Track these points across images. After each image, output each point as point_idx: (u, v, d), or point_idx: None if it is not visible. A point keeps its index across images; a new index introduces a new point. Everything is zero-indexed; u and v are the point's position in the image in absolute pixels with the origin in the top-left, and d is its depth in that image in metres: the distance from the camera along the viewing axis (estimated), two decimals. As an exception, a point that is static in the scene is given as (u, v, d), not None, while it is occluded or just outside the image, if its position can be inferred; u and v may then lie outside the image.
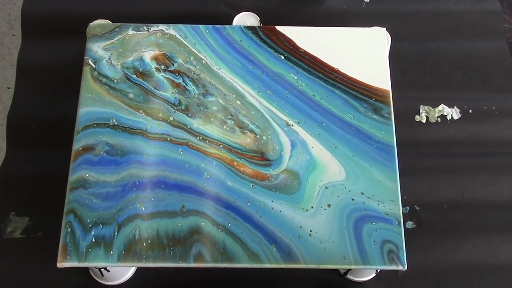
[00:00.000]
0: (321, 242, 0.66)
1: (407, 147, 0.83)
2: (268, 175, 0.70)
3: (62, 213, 0.67)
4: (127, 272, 0.77)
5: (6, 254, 0.78)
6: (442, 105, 0.89)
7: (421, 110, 0.89)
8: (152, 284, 0.76)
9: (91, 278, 0.77)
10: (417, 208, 0.82)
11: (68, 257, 0.65)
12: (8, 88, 1.31)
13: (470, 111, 0.89)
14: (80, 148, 0.71)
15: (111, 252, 0.66)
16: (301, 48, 0.78)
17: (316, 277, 0.77)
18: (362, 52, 0.77)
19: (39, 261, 0.77)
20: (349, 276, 0.78)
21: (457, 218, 0.82)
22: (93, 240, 0.66)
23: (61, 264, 0.65)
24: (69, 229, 0.67)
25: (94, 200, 0.68)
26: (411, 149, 0.85)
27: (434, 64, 0.91)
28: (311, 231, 0.67)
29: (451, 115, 0.89)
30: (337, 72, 0.76)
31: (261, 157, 0.71)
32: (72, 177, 0.69)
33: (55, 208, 0.72)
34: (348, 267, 0.66)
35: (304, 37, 0.78)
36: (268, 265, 0.66)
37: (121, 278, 0.77)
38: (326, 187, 0.69)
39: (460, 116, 0.89)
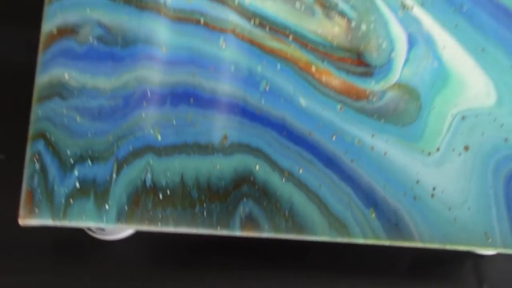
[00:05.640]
0: (449, 209, 0.41)
1: None
2: (368, 92, 0.42)
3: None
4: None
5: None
6: None
7: None
8: (164, 243, 0.51)
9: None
10: None
11: (37, 210, 0.40)
12: None
13: None
14: (55, 30, 0.43)
15: (106, 206, 0.40)
16: None
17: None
18: None
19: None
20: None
21: None
22: (77, 185, 0.41)
23: (24, 221, 0.41)
24: (37, 165, 0.41)
25: (78, 119, 0.41)
26: None
27: None
28: (434, 189, 0.41)
29: None
30: None
31: (357, 60, 0.43)
32: (41, 79, 0.42)
33: (22, 121, 0.45)
34: (491, 250, 0.41)
35: None
36: (361, 240, 0.41)
37: (121, 233, 0.51)
38: (463, 117, 0.42)
39: None
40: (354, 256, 0.50)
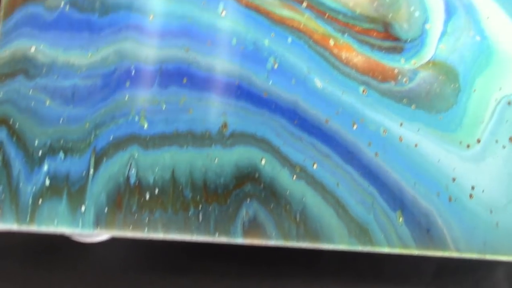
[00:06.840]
0: (491, 212, 0.36)
1: None
2: (397, 71, 0.35)
3: None
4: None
5: None
6: None
7: None
8: (152, 246, 0.45)
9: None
10: None
11: (-1, 212, 0.34)
12: None
13: None
14: (17, -8, 0.36)
15: (82, 208, 0.34)
16: None
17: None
18: None
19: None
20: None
21: None
22: (47, 182, 0.35)
23: (-16, 226, 0.34)
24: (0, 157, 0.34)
25: (47, 102, 0.35)
26: None
27: None
28: (473, 188, 0.36)
29: None
30: None
31: (384, 33, 0.36)
32: (2, 52, 0.35)
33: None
34: (538, 261, 0.35)
35: None
36: (386, 249, 0.35)
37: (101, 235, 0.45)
38: (510, 102, 0.36)
39: None
40: (371, 262, 0.44)
